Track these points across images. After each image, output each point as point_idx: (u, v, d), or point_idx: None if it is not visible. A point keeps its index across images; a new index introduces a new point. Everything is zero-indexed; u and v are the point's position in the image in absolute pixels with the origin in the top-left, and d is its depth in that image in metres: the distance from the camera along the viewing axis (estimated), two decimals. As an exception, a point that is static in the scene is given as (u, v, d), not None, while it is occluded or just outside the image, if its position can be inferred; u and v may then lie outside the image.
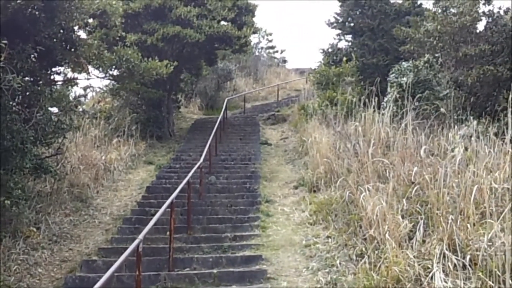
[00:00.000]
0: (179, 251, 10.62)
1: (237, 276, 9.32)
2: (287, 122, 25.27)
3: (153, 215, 9.63)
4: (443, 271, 7.28)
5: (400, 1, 21.85)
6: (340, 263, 9.21)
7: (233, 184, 15.46)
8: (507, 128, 9.46)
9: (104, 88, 23.37)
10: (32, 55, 11.73)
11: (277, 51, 45.13)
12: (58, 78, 13.68)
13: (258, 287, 8.80)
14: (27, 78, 11.48)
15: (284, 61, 45.96)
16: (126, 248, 7.40)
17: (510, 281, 6.20)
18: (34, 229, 11.37)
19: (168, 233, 10.37)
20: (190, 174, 12.42)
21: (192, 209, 12.39)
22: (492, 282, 6.35)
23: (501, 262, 6.46)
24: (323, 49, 23.82)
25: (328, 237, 10.59)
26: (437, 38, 15.92)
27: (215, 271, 9.50)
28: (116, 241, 11.50)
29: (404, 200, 9.38)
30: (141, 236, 7.65)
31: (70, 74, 13.85)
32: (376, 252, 8.65)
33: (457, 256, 7.38)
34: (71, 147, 15.45)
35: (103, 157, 16.36)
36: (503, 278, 6.27)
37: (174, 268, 9.81)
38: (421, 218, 8.69)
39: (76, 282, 9.50)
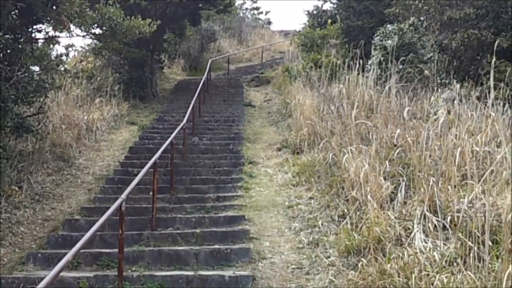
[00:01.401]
0: (162, 211, 10.66)
1: (220, 236, 9.38)
2: (271, 84, 25.18)
3: (136, 175, 9.62)
4: (423, 232, 7.37)
5: (386, -37, 21.65)
6: (322, 224, 9.31)
7: (217, 145, 15.46)
8: (489, 92, 9.50)
9: (86, 47, 23.06)
10: (13, 12, 11.52)
11: (261, 13, 44.79)
12: (39, 36, 13.47)
13: (240, 246, 8.86)
14: (7, 36, 11.29)
15: (269, 23, 45.62)
16: (109, 208, 7.39)
17: (489, 242, 6.29)
18: (16, 188, 11.32)
19: (151, 193, 10.39)
20: (173, 135, 12.39)
21: (175, 170, 12.40)
22: (472, 242, 6.44)
23: (481, 223, 6.54)
24: (308, 11, 23.70)
25: (310, 198, 10.67)
26: (422, 1, 15.82)
27: (198, 231, 9.55)
28: (98, 201, 11.50)
29: (386, 162, 9.44)
30: (123, 196, 7.64)
31: (51, 32, 13.63)
32: (358, 213, 8.73)
33: (438, 217, 7.47)
34: (53, 106, 15.31)
35: (85, 117, 16.24)
36: (482, 239, 6.36)
37: (157, 228, 9.86)
38: (403, 180, 8.77)
39: (58, 240, 9.51)
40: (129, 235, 9.05)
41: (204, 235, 9.39)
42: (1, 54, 11.39)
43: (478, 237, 6.44)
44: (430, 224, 7.41)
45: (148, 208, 10.46)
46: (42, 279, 5.13)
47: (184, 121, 14.22)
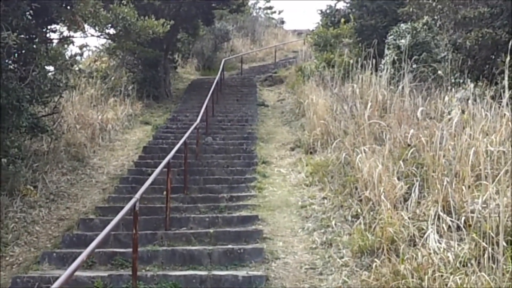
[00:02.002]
0: (176, 210, 10.70)
1: (233, 236, 9.40)
2: (284, 84, 25.17)
3: (150, 175, 9.67)
4: (437, 232, 7.35)
5: (400, -38, 21.55)
6: (335, 224, 9.30)
7: (230, 145, 15.49)
8: (504, 92, 9.44)
9: (101, 47, 23.19)
10: (28, 12, 11.61)
11: (275, 12, 44.82)
12: (54, 36, 13.60)
13: (254, 246, 8.88)
14: (22, 36, 11.36)
15: (282, 22, 45.62)
16: (123, 207, 7.44)
17: (504, 243, 6.26)
18: (31, 188, 11.41)
19: (164, 192, 10.43)
20: (187, 135, 12.44)
21: (188, 169, 12.44)
22: (486, 243, 6.41)
23: (495, 224, 6.51)
24: (321, 10, 23.65)
25: (324, 198, 10.66)
26: (436, 0, 15.75)
27: (211, 230, 9.58)
28: (113, 200, 11.56)
29: (400, 162, 9.40)
30: (137, 195, 7.68)
31: (66, 32, 13.76)
32: (371, 213, 8.71)
33: (452, 217, 7.44)
34: (68, 106, 15.41)
35: (100, 117, 16.34)
36: (496, 240, 6.33)
37: (171, 227, 9.90)
38: (417, 180, 8.73)
39: (73, 240, 9.58)
40: (143, 235, 9.10)
41: (218, 235, 9.41)
42: (16, 54, 11.46)
43: (493, 237, 6.41)
44: (444, 225, 7.39)
45: (162, 207, 10.50)
46: (57, 278, 5.18)
47: (198, 120, 14.25)
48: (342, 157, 10.95)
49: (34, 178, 11.93)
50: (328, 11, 23.35)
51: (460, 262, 6.58)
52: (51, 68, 13.11)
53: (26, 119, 10.82)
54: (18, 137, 11.41)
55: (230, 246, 8.96)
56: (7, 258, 9.13)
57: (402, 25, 15.08)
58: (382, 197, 8.60)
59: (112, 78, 20.75)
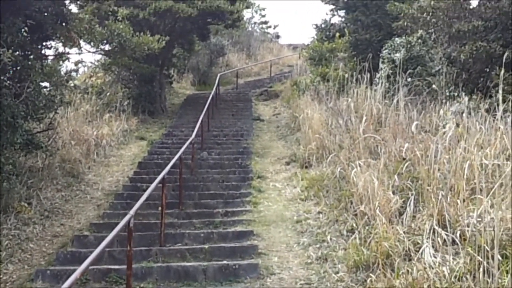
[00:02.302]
0: (171, 226, 10.65)
1: (228, 252, 9.35)
2: (279, 98, 25.20)
3: (145, 190, 9.63)
4: (433, 247, 7.31)
5: (394, -23, 21.66)
6: (330, 239, 9.26)
7: (225, 160, 15.46)
8: (498, 105, 9.45)
9: (96, 63, 23.24)
10: (23, 29, 11.62)
11: (270, 27, 44.92)
12: (49, 52, 13.58)
13: (249, 262, 8.83)
14: (17, 53, 11.37)
15: (277, 37, 45.72)
16: (117, 223, 7.41)
17: (499, 257, 6.23)
18: (26, 205, 11.36)
19: (159, 208, 10.39)
20: (182, 150, 12.42)
21: (184, 185, 12.41)
22: (481, 257, 6.38)
23: (490, 238, 6.49)
24: (316, 25, 23.68)
25: (319, 212, 10.63)
26: (430, 14, 15.80)
27: (206, 246, 9.53)
28: (107, 216, 11.51)
29: (395, 176, 9.39)
30: (132, 212, 7.64)
31: (61, 49, 13.76)
32: (367, 227, 8.68)
33: (447, 231, 7.41)
34: (63, 122, 15.40)
35: (95, 133, 16.31)
36: (491, 254, 6.30)
37: (166, 244, 9.84)
38: (412, 194, 8.72)
39: (67, 257, 9.52)
40: (137, 251, 9.06)
41: (213, 250, 9.37)
42: (11, 71, 11.45)
43: (488, 251, 6.38)
44: (439, 239, 7.36)
45: (157, 223, 10.45)
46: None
47: (193, 136, 14.25)
48: (337, 171, 10.93)
49: (28, 194, 11.88)
50: (323, 25, 23.40)
51: (455, 277, 6.55)
52: (46, 84, 13.09)
53: (20, 136, 10.79)
54: (13, 153, 11.38)
55: (225, 262, 8.91)
56: (1, 276, 9.06)
57: (396, 39, 15.14)
58: (377, 211, 8.58)
59: (108, 93, 20.77)
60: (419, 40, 14.55)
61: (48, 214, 11.62)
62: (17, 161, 11.98)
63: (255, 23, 43.44)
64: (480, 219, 7.05)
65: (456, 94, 12.53)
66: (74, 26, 12.54)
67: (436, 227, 7.55)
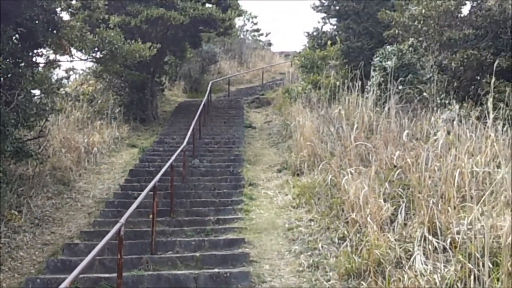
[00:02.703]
0: (162, 234, 10.61)
1: (219, 259, 9.32)
2: (271, 105, 25.24)
3: (136, 198, 9.60)
4: (424, 254, 7.33)
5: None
6: (322, 246, 9.25)
7: (217, 168, 15.44)
8: (488, 112, 9.48)
9: (87, 71, 23.19)
10: (14, 37, 11.61)
11: (262, 34, 44.94)
12: (40, 60, 13.54)
13: (240, 270, 8.80)
14: (8, 60, 11.35)
15: (269, 44, 45.78)
16: (108, 231, 7.38)
17: (489, 264, 6.25)
18: (16, 213, 11.27)
19: (150, 216, 10.35)
20: (173, 158, 12.40)
21: (175, 193, 12.38)
22: (472, 264, 6.40)
23: (481, 245, 6.50)
24: (308, 33, 23.75)
25: (311, 220, 10.62)
26: (421, 22, 15.91)
27: (197, 254, 9.49)
28: (98, 224, 11.46)
29: (386, 183, 9.41)
30: (122, 220, 7.62)
31: (52, 56, 13.76)
32: (358, 235, 8.68)
33: (438, 239, 7.43)
34: (53, 130, 15.35)
35: (86, 140, 16.26)
36: (482, 261, 6.32)
37: (157, 252, 9.80)
38: (403, 202, 8.73)
39: (58, 265, 9.45)
40: (128, 259, 9.01)
41: (204, 258, 9.33)
42: (2, 79, 11.41)
43: (478, 259, 6.40)
44: (430, 246, 7.37)
45: (148, 231, 10.41)
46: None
47: (185, 143, 14.22)
48: (328, 179, 10.93)
49: (18, 202, 11.82)
50: (315, 33, 23.47)
51: (446, 284, 6.57)
52: (37, 92, 13.06)
53: (11, 144, 10.75)
54: (3, 161, 11.32)
55: (216, 270, 8.87)
56: (-10, 284, 9.00)
57: (388, 47, 15.21)
58: (369, 219, 8.58)
59: (99, 101, 20.74)
60: (410, 48, 14.62)
61: (39, 222, 11.55)
62: (8, 169, 11.92)
63: (247, 30, 43.50)
64: (470, 227, 7.06)
65: (447, 101, 12.60)
66: (65, 34, 12.54)
67: (427, 235, 7.57)
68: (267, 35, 45.60)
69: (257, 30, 44.30)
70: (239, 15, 26.05)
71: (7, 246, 10.28)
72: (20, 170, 12.99)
